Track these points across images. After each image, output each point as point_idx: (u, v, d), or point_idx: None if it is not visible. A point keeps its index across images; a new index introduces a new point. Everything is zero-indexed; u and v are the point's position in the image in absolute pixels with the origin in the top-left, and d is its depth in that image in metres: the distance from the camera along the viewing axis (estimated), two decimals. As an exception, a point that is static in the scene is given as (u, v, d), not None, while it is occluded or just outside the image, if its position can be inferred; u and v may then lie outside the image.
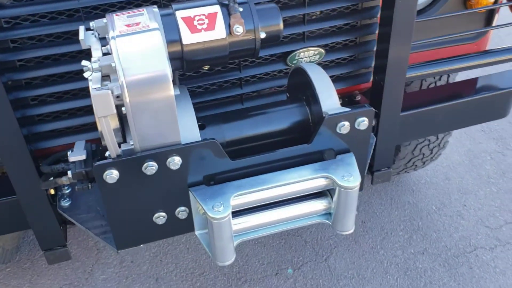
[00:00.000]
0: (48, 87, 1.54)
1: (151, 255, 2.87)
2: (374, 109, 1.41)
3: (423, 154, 2.81)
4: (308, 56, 1.74)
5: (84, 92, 1.60)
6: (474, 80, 2.14)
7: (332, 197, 1.47)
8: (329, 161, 1.43)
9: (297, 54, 1.73)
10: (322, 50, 1.75)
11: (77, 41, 1.48)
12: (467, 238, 2.87)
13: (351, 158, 1.42)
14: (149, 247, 2.92)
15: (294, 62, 1.73)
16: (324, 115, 1.39)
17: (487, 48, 2.19)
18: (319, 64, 1.77)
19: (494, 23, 2.08)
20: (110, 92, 1.12)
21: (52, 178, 1.50)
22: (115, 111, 1.15)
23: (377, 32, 1.78)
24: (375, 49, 1.81)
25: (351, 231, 1.47)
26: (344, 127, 1.39)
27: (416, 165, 2.93)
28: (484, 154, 3.50)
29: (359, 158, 1.46)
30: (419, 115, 1.90)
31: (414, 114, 1.88)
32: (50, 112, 1.58)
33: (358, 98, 2.05)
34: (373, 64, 1.85)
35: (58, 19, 1.47)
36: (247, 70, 1.71)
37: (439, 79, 2.49)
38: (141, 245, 1.47)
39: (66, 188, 1.64)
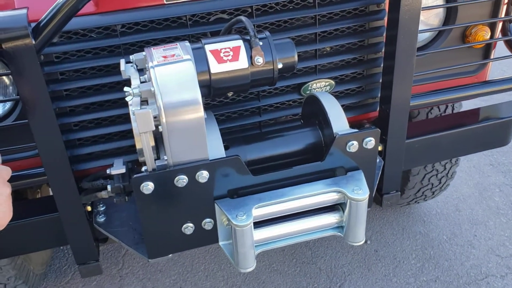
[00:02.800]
0: (89, 114, 1.74)
1: (171, 282, 2.99)
2: (379, 130, 1.57)
3: (432, 184, 2.93)
4: (319, 87, 1.92)
5: (120, 119, 1.80)
6: (476, 110, 2.30)
7: (344, 212, 1.61)
8: (340, 177, 1.58)
9: (310, 85, 1.91)
10: (332, 82, 1.94)
11: (116, 73, 1.69)
12: (478, 267, 2.94)
13: (360, 175, 1.58)
14: (169, 274, 3.04)
15: (307, 92, 1.92)
16: (335, 135, 1.56)
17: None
18: (330, 94, 1.95)
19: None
20: (150, 111, 1.30)
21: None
22: (154, 127, 1.33)
23: (382, 65, 1.97)
24: (380, 80, 1.99)
25: (362, 242, 1.60)
26: (353, 146, 1.55)
27: (425, 195, 3.05)
28: (493, 187, 3.60)
29: (367, 174, 1.61)
30: (424, 142, 2.05)
31: (419, 141, 2.03)
32: (90, 136, 1.77)
33: (367, 126, 2.21)
34: (379, 95, 2.04)
35: (101, 54, 1.69)
36: (265, 99, 1.90)
37: (445, 111, 2.64)
38: (170, 255, 1.61)
39: (101, 205, 1.80)
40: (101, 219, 1.76)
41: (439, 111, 2.62)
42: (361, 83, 2.01)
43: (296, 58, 1.57)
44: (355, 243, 1.59)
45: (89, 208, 1.76)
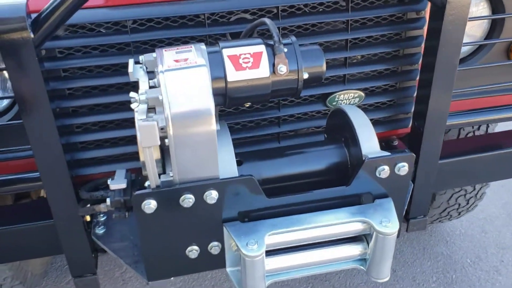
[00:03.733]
0: (93, 116, 1.59)
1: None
2: (414, 155, 1.39)
3: (459, 204, 2.74)
4: (347, 99, 1.74)
5: (127, 123, 1.64)
6: (513, 131, 2.10)
7: (368, 242, 1.44)
8: (366, 205, 1.41)
9: (337, 96, 1.74)
10: (362, 93, 1.76)
11: (125, 73, 1.54)
12: (504, 296, 2.74)
13: (389, 204, 1.40)
14: (174, 282, 2.90)
15: (334, 103, 1.74)
16: (364, 158, 1.38)
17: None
18: (358, 107, 1.77)
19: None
20: (156, 123, 1.14)
21: (89, 205, 1.52)
22: (159, 142, 1.17)
23: (417, 78, 1.79)
24: (415, 95, 1.81)
25: (387, 278, 1.43)
26: (384, 171, 1.37)
27: (451, 215, 2.86)
28: (522, 208, 3.38)
29: (397, 203, 1.43)
30: (458, 163, 1.87)
31: (453, 162, 1.85)
32: (93, 140, 1.62)
33: (396, 143, 2.02)
34: (412, 110, 1.85)
35: (109, 51, 1.53)
36: (286, 109, 1.73)
37: (478, 129, 2.45)
38: (171, 278, 1.46)
39: (101, 215, 1.66)
40: (100, 231, 1.61)
41: (472, 128, 2.42)
42: (393, 96, 1.83)
43: (324, 68, 1.40)
44: (379, 279, 1.41)
45: (88, 218, 1.61)
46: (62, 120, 1.55)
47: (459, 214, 2.85)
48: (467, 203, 2.74)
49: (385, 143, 2.00)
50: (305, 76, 1.37)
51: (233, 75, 1.31)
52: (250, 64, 1.32)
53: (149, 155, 1.18)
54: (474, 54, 1.95)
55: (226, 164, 1.33)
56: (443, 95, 1.61)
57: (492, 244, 3.09)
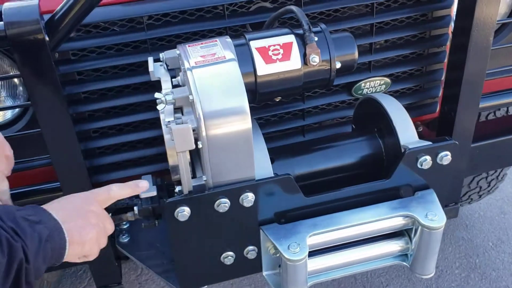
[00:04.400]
0: (110, 120, 1.50)
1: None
2: (457, 143, 1.32)
3: (480, 187, 2.67)
4: (373, 86, 1.66)
5: (145, 125, 1.56)
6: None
7: (409, 237, 1.37)
8: (408, 198, 1.33)
9: (362, 84, 1.66)
10: (388, 80, 1.68)
11: (141, 73, 1.45)
12: (530, 278, 2.69)
13: (432, 196, 1.32)
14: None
15: (359, 92, 1.66)
16: (403, 149, 1.30)
17: None
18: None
19: None
20: (190, 126, 1.06)
21: (112, 214, 1.44)
22: (194, 145, 1.09)
23: (445, 61, 1.71)
24: (443, 78, 1.73)
25: (432, 274, 1.36)
26: (426, 162, 1.30)
27: (471, 199, 2.80)
28: (540, 186, 3.32)
29: (439, 195, 1.36)
30: (490, 146, 1.80)
31: (485, 145, 1.77)
32: (111, 144, 1.54)
33: (420, 129, 1.95)
34: (440, 94, 1.78)
35: (124, 50, 1.44)
36: (310, 100, 1.65)
37: (498, 109, 2.38)
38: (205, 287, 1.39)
39: (124, 223, 1.58)
40: (124, 239, 1.53)
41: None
42: (420, 81, 1.75)
43: (356, 55, 1.32)
44: (424, 275, 1.35)
45: (111, 226, 1.53)
46: (78, 126, 1.46)
47: (479, 197, 2.79)
48: (489, 186, 2.68)
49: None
50: (338, 65, 1.28)
51: (263, 69, 1.23)
52: (280, 56, 1.23)
53: (183, 160, 1.10)
54: (497, 33, 1.87)
55: (261, 164, 1.25)
56: (476, 76, 1.53)
57: (512, 225, 3.04)
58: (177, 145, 1.06)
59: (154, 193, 1.25)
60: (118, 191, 1.21)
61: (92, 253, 1.14)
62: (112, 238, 1.57)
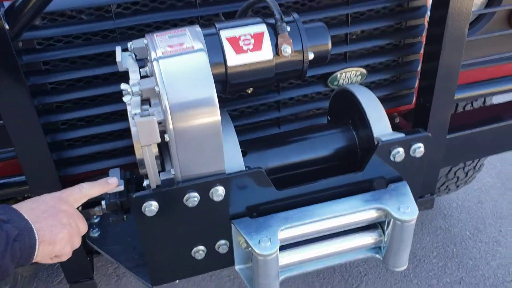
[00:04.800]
0: (79, 111, 1.46)
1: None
2: (430, 135, 1.31)
3: (458, 177, 2.69)
4: (349, 77, 1.64)
5: (115, 116, 1.52)
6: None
7: (382, 230, 1.36)
8: (381, 190, 1.32)
9: (338, 75, 1.63)
10: (364, 71, 1.66)
11: (110, 63, 1.41)
12: (506, 266, 2.72)
13: (405, 188, 1.31)
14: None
15: (335, 83, 1.64)
16: (376, 142, 1.29)
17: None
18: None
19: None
20: (155, 119, 1.03)
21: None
22: (159, 139, 1.06)
23: (421, 51, 1.70)
24: (419, 69, 1.72)
25: (405, 267, 1.35)
26: (399, 154, 1.28)
27: (449, 189, 2.81)
28: (516, 176, 3.36)
29: (412, 187, 1.35)
30: (466, 137, 1.80)
31: (461, 136, 1.77)
32: (80, 136, 1.50)
33: (397, 120, 1.94)
34: (416, 85, 1.77)
35: (92, 40, 1.39)
36: (285, 92, 1.62)
37: (475, 100, 2.38)
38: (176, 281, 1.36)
39: (95, 217, 1.54)
40: (95, 233, 1.50)
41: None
42: (396, 72, 1.73)
43: (330, 46, 1.29)
44: (396, 268, 1.34)
45: (81, 221, 1.49)
46: (46, 117, 1.41)
47: (457, 187, 2.81)
48: (466, 176, 2.69)
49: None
50: (311, 56, 1.26)
51: (234, 59, 1.19)
52: (252, 46, 1.20)
53: (148, 153, 1.07)
54: (474, 24, 1.86)
55: (231, 157, 1.22)
56: (451, 68, 1.52)
57: (489, 214, 3.07)
58: (141, 138, 1.03)
59: (122, 188, 1.22)
60: (89, 189, 1.20)
61: (64, 253, 1.12)
62: (83, 233, 1.53)
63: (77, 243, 1.14)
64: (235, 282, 2.72)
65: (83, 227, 1.17)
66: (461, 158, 1.98)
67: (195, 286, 2.72)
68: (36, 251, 1.02)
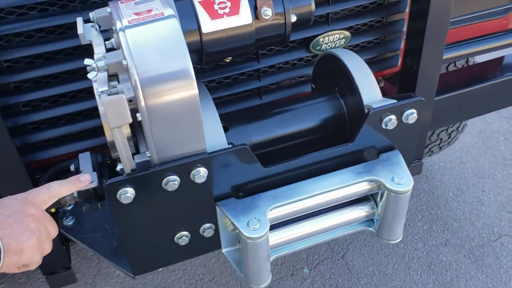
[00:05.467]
0: (41, 91, 1.33)
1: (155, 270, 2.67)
2: (423, 99, 1.22)
3: (441, 139, 2.65)
4: (333, 41, 1.54)
5: (83, 94, 1.39)
6: (501, 60, 1.97)
7: (375, 201, 1.29)
8: (373, 161, 1.24)
9: (321, 39, 1.53)
10: (348, 33, 1.56)
11: (72, 36, 1.27)
12: (490, 226, 2.72)
13: (398, 157, 1.24)
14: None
15: (318, 48, 1.54)
16: (367, 109, 1.20)
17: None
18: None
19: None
20: (124, 97, 0.91)
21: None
22: (131, 119, 0.94)
23: (407, 10, 1.60)
24: (404, 29, 1.63)
25: (400, 239, 1.29)
26: (391, 122, 1.20)
27: (432, 151, 2.78)
28: (497, 135, 3.35)
29: (405, 156, 1.27)
30: (453, 99, 1.73)
31: (449, 98, 1.70)
32: (45, 118, 1.37)
33: (381, 84, 1.86)
34: (402, 47, 1.68)
35: (50, 11, 1.25)
36: (265, 59, 1.51)
37: (459, 60, 2.31)
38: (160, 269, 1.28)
39: (68, 204, 1.43)
40: (69, 222, 1.39)
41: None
42: (380, 33, 1.64)
43: (313, 7, 1.19)
44: (391, 241, 1.28)
45: (52, 209, 1.38)
46: (4, 100, 1.28)
47: (440, 149, 2.77)
48: (449, 137, 2.65)
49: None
50: (293, 18, 1.15)
51: (209, 25, 1.08)
52: (228, 10, 1.08)
53: (119, 135, 0.95)
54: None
55: (212, 134, 1.12)
56: (440, 26, 1.43)
57: (472, 174, 3.06)
58: (110, 119, 0.92)
59: (95, 184, 1.11)
60: (58, 189, 1.07)
61: (33, 262, 1.00)
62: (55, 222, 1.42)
63: (47, 249, 1.03)
64: (220, 258, 2.67)
65: (53, 231, 1.05)
66: (449, 120, 1.92)
67: (179, 263, 2.65)
68: (2, 261, 0.91)
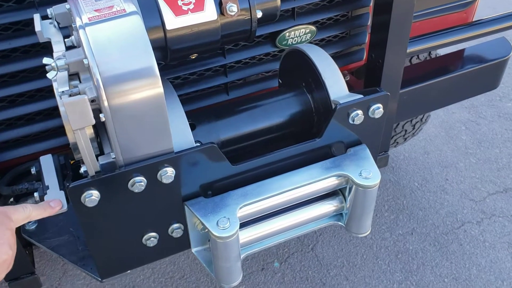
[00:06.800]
0: (-3, 90, 1.27)
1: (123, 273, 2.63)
2: (389, 94, 1.23)
3: (406, 131, 2.69)
4: (299, 36, 1.53)
5: (43, 93, 1.34)
6: (462, 53, 2.01)
7: (344, 196, 1.30)
8: (340, 156, 1.25)
9: (287, 33, 1.52)
10: (314, 28, 1.56)
11: (30, 33, 1.22)
12: (454, 214, 2.80)
13: (365, 152, 1.25)
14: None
15: (284, 43, 1.53)
16: (334, 105, 1.20)
17: (474, 15, 2.08)
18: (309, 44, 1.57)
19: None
20: (86, 98, 0.88)
21: (12, 200, 1.25)
22: (94, 120, 0.91)
23: (371, 4, 1.61)
24: (369, 23, 1.64)
25: (368, 232, 1.30)
26: (358, 117, 1.21)
27: (397, 142, 2.82)
28: (458, 124, 3.44)
29: (372, 149, 1.28)
30: (418, 91, 1.76)
31: (413, 90, 1.73)
32: (3, 119, 1.31)
33: (347, 78, 1.87)
34: (366, 41, 1.69)
35: (4, 6, 1.19)
36: (231, 54, 1.50)
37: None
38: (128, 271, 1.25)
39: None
40: (31, 226, 1.34)
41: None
42: (346, 28, 1.64)
43: (279, 2, 1.17)
44: (360, 234, 1.29)
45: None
46: (-44, 101, 1.22)
47: (405, 140, 2.82)
48: (413, 128, 2.70)
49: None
50: (259, 14, 1.13)
51: (173, 22, 1.05)
52: (192, 6, 1.06)
53: (82, 138, 0.92)
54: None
55: (179, 132, 1.09)
56: (404, 20, 1.45)
57: (435, 163, 3.13)
58: (71, 121, 0.88)
59: (65, 210, 1.07)
60: (32, 211, 1.03)
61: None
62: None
63: (11, 266, 0.98)
64: (190, 255, 2.64)
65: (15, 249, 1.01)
66: (413, 113, 1.95)
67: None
68: None
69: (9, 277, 1.43)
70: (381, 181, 2.99)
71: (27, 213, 1.02)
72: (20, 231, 1.37)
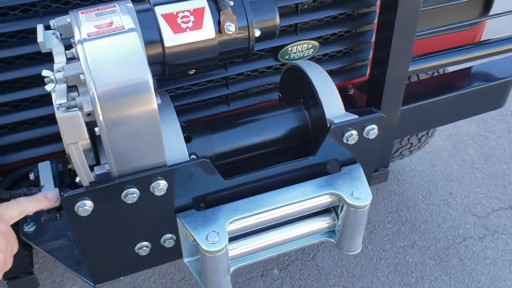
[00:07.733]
0: (2, 95, 1.30)
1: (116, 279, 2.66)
2: (383, 115, 1.24)
3: (411, 144, 2.69)
4: (301, 50, 1.55)
5: (45, 99, 1.37)
6: (469, 70, 2.01)
7: (336, 213, 1.31)
8: (334, 175, 1.26)
9: (289, 48, 1.53)
10: (316, 43, 1.57)
11: (34, 41, 1.25)
12: (456, 228, 2.78)
13: (359, 171, 1.26)
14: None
15: (286, 57, 1.54)
16: (329, 124, 1.21)
17: (483, 34, 2.07)
18: (312, 58, 1.58)
19: (491, 9, 1.95)
20: (79, 114, 0.90)
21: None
22: (87, 136, 0.94)
23: (375, 21, 1.62)
24: (373, 40, 1.64)
25: (359, 250, 1.31)
26: (352, 137, 1.22)
27: (403, 155, 2.82)
28: (466, 138, 3.42)
29: (366, 169, 1.29)
30: (420, 108, 1.76)
31: (415, 107, 1.73)
32: (7, 123, 1.35)
33: (351, 92, 1.88)
34: (370, 57, 1.69)
35: (11, 15, 1.23)
36: (233, 67, 1.51)
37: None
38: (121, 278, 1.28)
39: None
40: (29, 228, 1.38)
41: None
42: (349, 44, 1.65)
43: (278, 21, 1.19)
44: (350, 252, 1.30)
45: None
46: (-38, 104, 1.26)
47: (411, 152, 2.82)
48: (419, 142, 2.70)
49: (340, 93, 1.85)
50: (257, 33, 1.15)
51: (171, 39, 1.07)
52: (191, 24, 1.08)
53: (75, 151, 0.94)
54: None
55: (173, 145, 1.12)
56: (406, 38, 1.45)
57: (441, 177, 3.12)
58: (65, 136, 0.91)
59: (58, 204, 1.10)
60: (27, 205, 1.06)
61: None
62: (17, 227, 1.41)
63: (9, 265, 1.01)
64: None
65: (15, 247, 1.04)
66: (415, 129, 1.95)
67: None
68: None
69: (8, 276, 1.47)
70: (386, 192, 3.01)
71: (21, 208, 1.04)
72: (18, 233, 1.41)
